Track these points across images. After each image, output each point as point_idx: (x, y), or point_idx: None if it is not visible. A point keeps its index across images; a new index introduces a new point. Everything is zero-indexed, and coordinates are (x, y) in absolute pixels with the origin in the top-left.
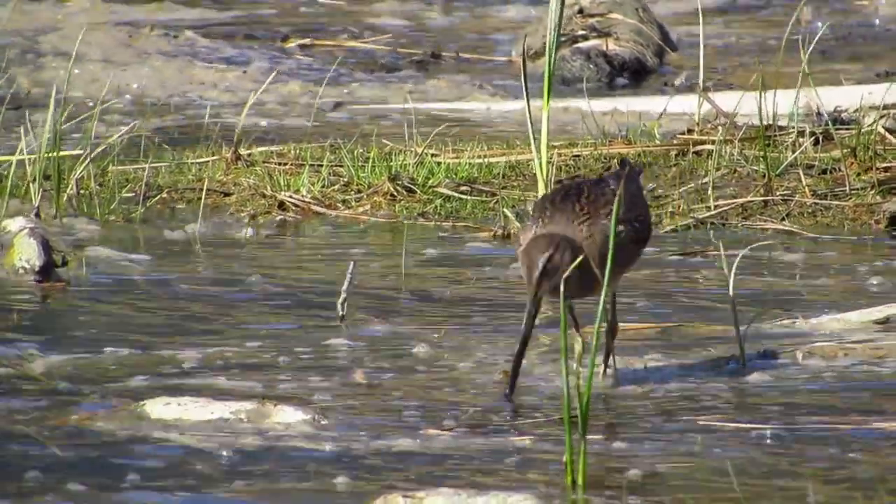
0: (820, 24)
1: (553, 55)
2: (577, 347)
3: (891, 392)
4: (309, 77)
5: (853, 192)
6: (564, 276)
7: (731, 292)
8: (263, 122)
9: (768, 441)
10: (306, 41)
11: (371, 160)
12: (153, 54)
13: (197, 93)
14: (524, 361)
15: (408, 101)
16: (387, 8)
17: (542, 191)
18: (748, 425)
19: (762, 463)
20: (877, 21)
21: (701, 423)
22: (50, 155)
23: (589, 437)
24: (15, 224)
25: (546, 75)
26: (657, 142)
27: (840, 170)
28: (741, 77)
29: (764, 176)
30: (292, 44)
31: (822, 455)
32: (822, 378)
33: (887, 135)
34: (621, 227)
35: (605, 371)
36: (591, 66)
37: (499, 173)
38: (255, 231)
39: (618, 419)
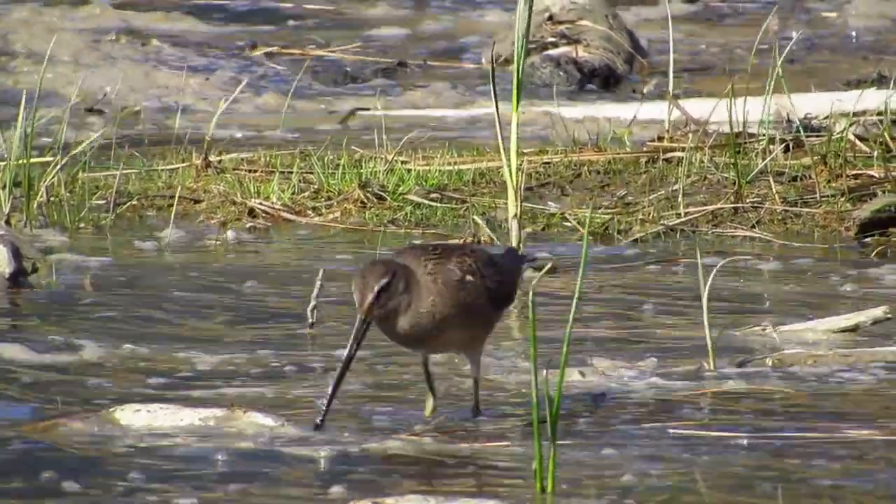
0: (794, 34)
1: (521, 62)
2: (429, 404)
3: (861, 399)
4: (279, 87)
5: (823, 199)
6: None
7: (704, 301)
8: (238, 134)
9: (741, 448)
10: (272, 49)
11: (341, 167)
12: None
13: (173, 98)
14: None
15: (377, 107)
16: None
17: (511, 197)
18: (718, 433)
19: (732, 470)
20: (847, 32)
21: (671, 430)
22: (20, 162)
23: (559, 443)
24: None
25: (515, 82)
26: (627, 149)
27: (810, 177)
28: (710, 85)
29: (734, 183)
30: (258, 52)
31: (791, 463)
32: (792, 385)
33: (857, 142)
34: (470, 277)
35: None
36: (561, 72)
37: (469, 180)
38: (227, 237)
39: (587, 426)
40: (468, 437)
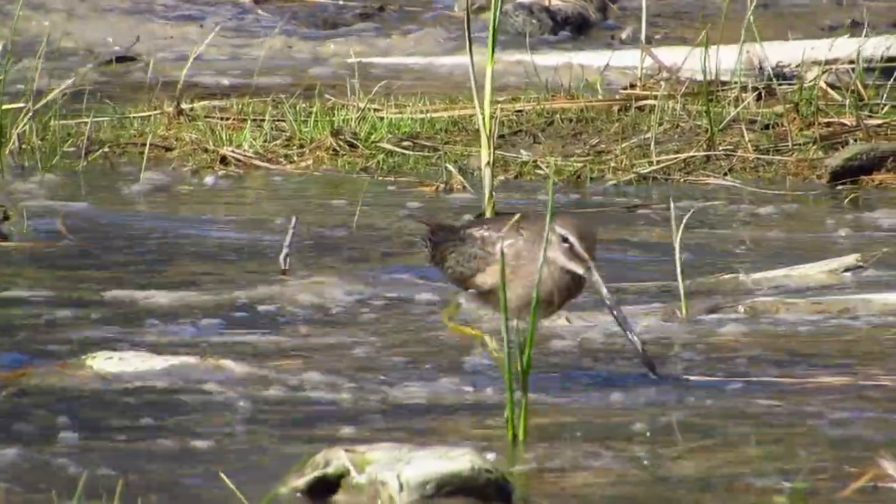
0: None
1: (497, 9)
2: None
3: (832, 346)
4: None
5: (795, 147)
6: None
7: (676, 248)
8: (225, 81)
9: (722, 392)
10: None
11: (314, 115)
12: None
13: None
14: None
15: (351, 55)
16: None
17: (484, 146)
18: (678, 375)
19: (708, 414)
20: None
21: (641, 374)
22: None
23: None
24: None
25: (491, 30)
26: (600, 97)
27: (782, 125)
28: (684, 31)
29: (706, 131)
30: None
31: (756, 408)
32: (762, 332)
33: (829, 90)
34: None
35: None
36: (534, 20)
37: (441, 128)
38: (206, 182)
39: (559, 372)
40: (441, 385)
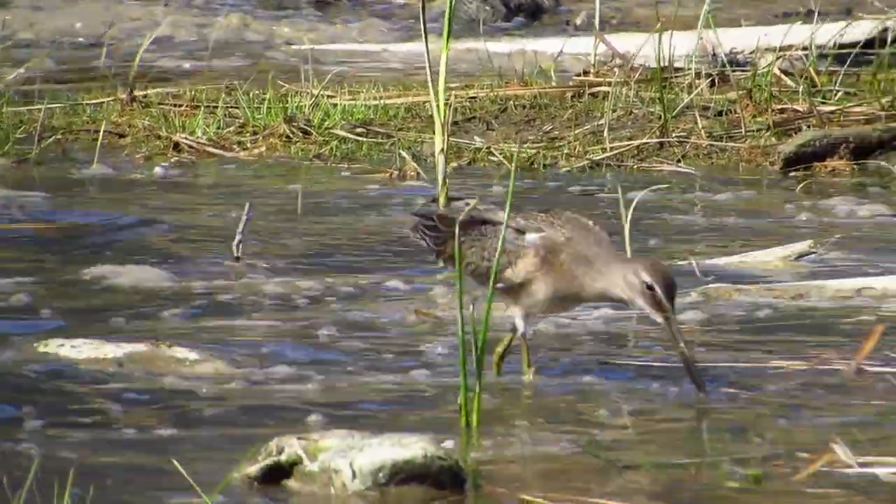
0: None
1: None
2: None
3: (787, 332)
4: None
5: (749, 133)
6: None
7: (626, 235)
8: (187, 65)
9: (676, 382)
10: None
11: (267, 102)
12: None
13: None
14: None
15: (304, 42)
16: None
17: (438, 132)
18: (636, 362)
19: (656, 399)
20: None
21: (598, 360)
22: None
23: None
24: None
25: (447, 16)
26: (553, 83)
27: (736, 112)
28: (638, 17)
29: (660, 118)
30: None
31: (712, 394)
32: (718, 318)
33: (783, 77)
34: None
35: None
36: (487, 7)
37: (395, 115)
38: (155, 173)
39: (512, 359)
40: (395, 373)
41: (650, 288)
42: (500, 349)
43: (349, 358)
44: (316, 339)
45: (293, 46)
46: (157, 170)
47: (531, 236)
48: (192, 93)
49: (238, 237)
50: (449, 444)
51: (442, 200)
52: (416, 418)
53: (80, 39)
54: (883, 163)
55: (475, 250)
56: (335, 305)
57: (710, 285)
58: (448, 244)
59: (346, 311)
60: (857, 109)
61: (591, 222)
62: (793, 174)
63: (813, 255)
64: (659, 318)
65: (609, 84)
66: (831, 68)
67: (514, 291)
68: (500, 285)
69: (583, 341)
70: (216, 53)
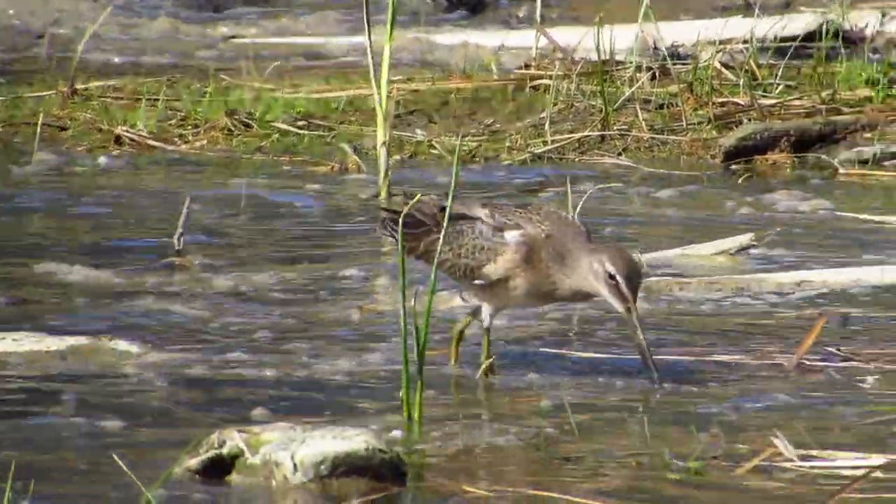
0: None
1: None
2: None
3: (728, 326)
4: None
5: (689, 126)
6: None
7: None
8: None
9: (623, 374)
10: None
11: (208, 95)
12: None
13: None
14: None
15: (244, 36)
16: None
17: (380, 125)
18: (583, 353)
19: (599, 392)
20: None
21: (540, 352)
22: None
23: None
24: None
25: (390, 9)
26: (495, 77)
27: (677, 105)
28: (580, 11)
29: (601, 111)
30: None
31: (654, 388)
32: (659, 312)
33: (723, 70)
34: None
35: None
36: (430, 0)
37: (337, 108)
38: (100, 163)
39: (469, 353)
40: (336, 367)
41: (612, 278)
42: (458, 328)
43: (296, 351)
44: (262, 331)
45: (233, 41)
46: (100, 161)
47: (511, 233)
48: (134, 86)
49: (179, 230)
50: (397, 434)
51: (383, 193)
52: (364, 411)
53: (16, 23)
54: (823, 156)
55: (452, 247)
56: (281, 297)
57: (652, 279)
58: (420, 240)
59: (293, 304)
60: (798, 103)
61: (570, 216)
62: (733, 167)
63: (754, 249)
64: (620, 308)
65: (550, 77)
66: (772, 61)
67: (491, 287)
68: (478, 281)
69: (532, 334)
70: (152, 50)
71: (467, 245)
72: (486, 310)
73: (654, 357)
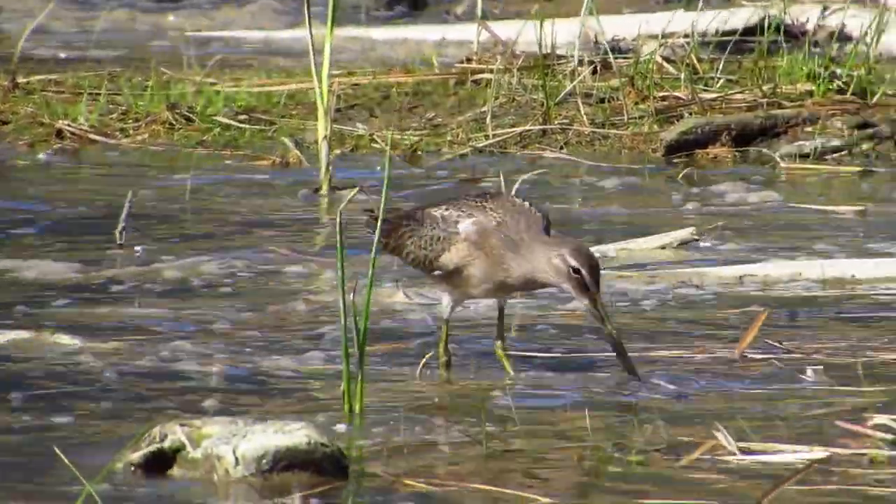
0: None
1: None
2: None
3: (670, 319)
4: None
5: (631, 120)
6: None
7: None
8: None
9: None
10: None
11: (149, 89)
12: None
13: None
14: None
15: (187, 28)
16: None
17: (321, 119)
18: (525, 353)
19: (542, 387)
20: None
21: (481, 349)
22: None
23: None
24: None
25: (330, 4)
26: (436, 71)
27: (618, 99)
28: (521, 6)
29: (542, 105)
30: None
31: (597, 382)
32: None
33: (665, 64)
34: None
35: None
36: None
37: (278, 102)
38: (39, 158)
39: (397, 351)
40: (279, 360)
41: (576, 272)
42: (441, 347)
43: (243, 343)
44: (208, 324)
45: (179, 33)
46: (41, 157)
47: (463, 223)
48: (75, 79)
49: (121, 224)
50: (341, 427)
51: (325, 187)
52: (309, 404)
53: None
54: (764, 150)
55: (413, 240)
56: (226, 290)
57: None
58: (391, 236)
59: (239, 297)
60: (739, 96)
61: (527, 204)
62: (675, 161)
63: (697, 243)
64: (585, 301)
65: (492, 71)
66: (713, 56)
67: (450, 276)
68: (437, 272)
69: (480, 331)
70: (98, 44)
71: (426, 237)
72: (445, 301)
73: (625, 346)
